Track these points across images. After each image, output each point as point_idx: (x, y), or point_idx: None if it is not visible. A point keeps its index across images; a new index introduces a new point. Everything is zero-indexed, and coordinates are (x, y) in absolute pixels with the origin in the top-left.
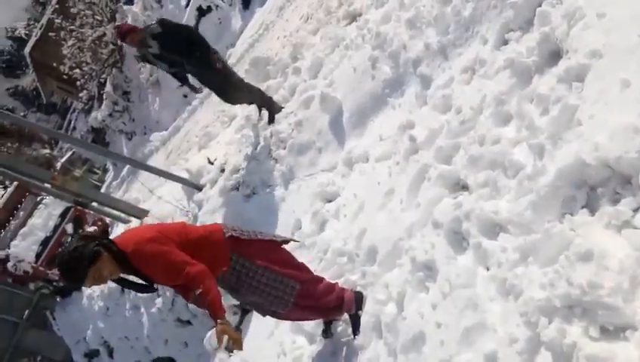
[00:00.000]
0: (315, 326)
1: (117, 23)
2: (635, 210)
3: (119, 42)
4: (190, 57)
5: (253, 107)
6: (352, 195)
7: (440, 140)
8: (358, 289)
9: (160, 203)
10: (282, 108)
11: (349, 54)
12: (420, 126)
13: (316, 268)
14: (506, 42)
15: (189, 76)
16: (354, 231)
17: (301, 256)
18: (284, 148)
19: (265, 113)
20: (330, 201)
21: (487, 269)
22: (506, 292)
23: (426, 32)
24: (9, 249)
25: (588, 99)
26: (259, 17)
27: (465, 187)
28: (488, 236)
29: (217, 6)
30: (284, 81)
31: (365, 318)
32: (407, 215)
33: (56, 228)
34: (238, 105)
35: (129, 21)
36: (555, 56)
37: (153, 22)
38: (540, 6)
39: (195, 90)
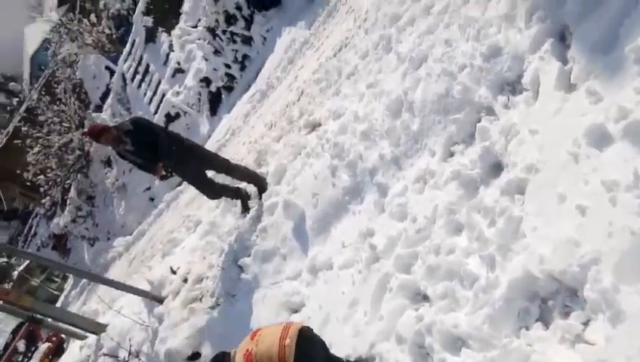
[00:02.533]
0: None
1: (84, 129)
2: (585, 323)
3: (89, 144)
4: (168, 153)
5: (219, 211)
6: (317, 306)
7: (399, 248)
8: None
9: (119, 316)
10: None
11: (310, 162)
12: (380, 233)
13: None
14: (452, 154)
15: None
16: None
17: None
18: (249, 256)
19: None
20: (296, 312)
21: None
22: None
23: (379, 143)
24: None
25: (529, 211)
26: (225, 123)
27: (426, 298)
28: (451, 351)
29: (185, 112)
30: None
31: None
32: (371, 329)
33: (7, 346)
34: (206, 209)
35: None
36: (497, 168)
37: (125, 120)
38: (480, 122)
39: (164, 177)
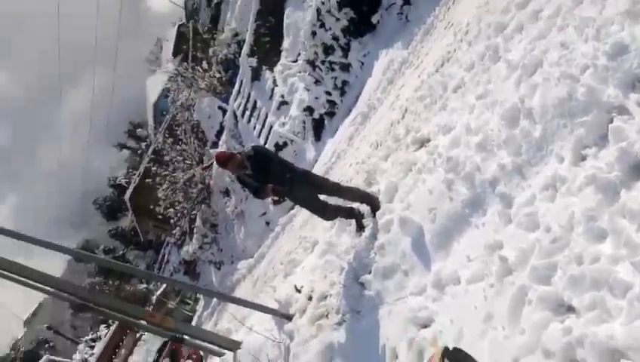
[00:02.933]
0: None
1: (204, 165)
2: None
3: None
4: (281, 178)
5: (334, 231)
6: (448, 321)
7: (533, 260)
8: None
9: (251, 333)
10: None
11: (423, 178)
12: (509, 245)
13: None
14: (583, 158)
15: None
16: None
17: None
18: (370, 273)
19: (364, 211)
20: (425, 327)
21: None
22: None
23: (497, 153)
24: None
25: None
26: (330, 147)
27: (571, 309)
28: None
29: (292, 140)
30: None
31: None
32: (512, 343)
33: None
34: (321, 229)
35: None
36: (638, 169)
37: (246, 148)
38: (612, 122)
39: (277, 202)
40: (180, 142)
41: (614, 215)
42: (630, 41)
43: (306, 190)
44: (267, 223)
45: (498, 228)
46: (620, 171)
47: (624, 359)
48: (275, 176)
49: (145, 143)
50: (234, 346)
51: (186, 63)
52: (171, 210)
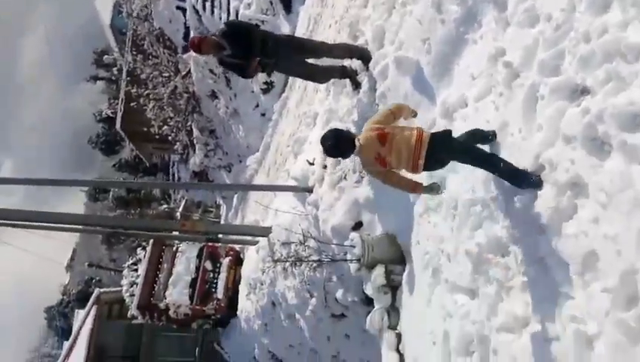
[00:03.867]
0: (471, 280)
1: (182, 73)
2: None
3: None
4: (264, 48)
5: (331, 97)
6: None
7: (540, 54)
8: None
9: (278, 216)
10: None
11: (409, 10)
12: (512, 49)
13: (452, 225)
14: None
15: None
16: (478, 176)
17: (432, 218)
18: None
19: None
20: None
21: None
22: None
23: None
24: (165, 299)
25: None
26: (304, 15)
27: (585, 91)
28: (631, 130)
29: (263, 21)
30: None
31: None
32: (531, 141)
33: (197, 269)
34: (317, 101)
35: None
36: None
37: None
38: None
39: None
40: (151, 56)
41: None
42: None
43: (293, 56)
44: (263, 114)
45: (497, 35)
46: None
47: None
48: (257, 48)
49: (116, 68)
50: (266, 232)
51: None
52: (166, 127)
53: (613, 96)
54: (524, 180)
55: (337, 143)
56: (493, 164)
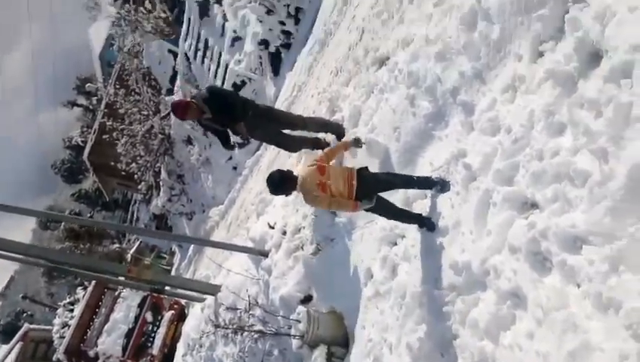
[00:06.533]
0: None
1: (162, 114)
2: None
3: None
4: (244, 115)
5: (301, 165)
6: (418, 236)
7: (497, 163)
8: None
9: (230, 275)
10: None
11: (385, 97)
12: (472, 152)
13: (398, 315)
14: (541, 54)
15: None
16: (429, 271)
17: (380, 304)
18: None
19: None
20: (396, 245)
21: (578, 286)
22: (604, 306)
23: (457, 60)
24: (96, 347)
25: None
26: (290, 81)
27: (534, 205)
28: (570, 251)
29: (250, 79)
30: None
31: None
32: (480, 245)
33: (136, 318)
34: (289, 166)
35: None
36: (595, 58)
37: (201, 90)
38: (567, 13)
39: (233, 148)
40: (133, 93)
41: (572, 106)
42: None
43: (271, 126)
44: (234, 168)
45: (461, 137)
46: (577, 62)
47: (585, 244)
48: (239, 113)
49: (96, 98)
50: (214, 290)
51: (127, 5)
52: (134, 165)
53: (558, 215)
54: (432, 186)
55: (282, 181)
56: (409, 183)
